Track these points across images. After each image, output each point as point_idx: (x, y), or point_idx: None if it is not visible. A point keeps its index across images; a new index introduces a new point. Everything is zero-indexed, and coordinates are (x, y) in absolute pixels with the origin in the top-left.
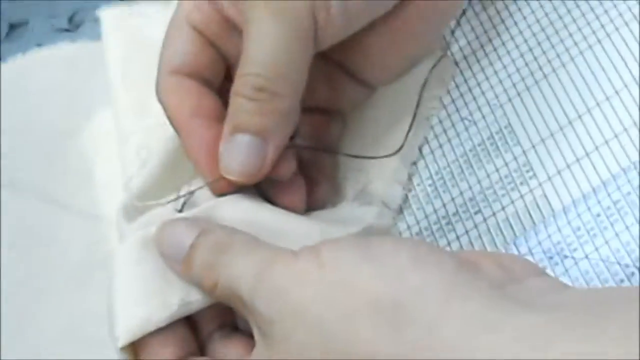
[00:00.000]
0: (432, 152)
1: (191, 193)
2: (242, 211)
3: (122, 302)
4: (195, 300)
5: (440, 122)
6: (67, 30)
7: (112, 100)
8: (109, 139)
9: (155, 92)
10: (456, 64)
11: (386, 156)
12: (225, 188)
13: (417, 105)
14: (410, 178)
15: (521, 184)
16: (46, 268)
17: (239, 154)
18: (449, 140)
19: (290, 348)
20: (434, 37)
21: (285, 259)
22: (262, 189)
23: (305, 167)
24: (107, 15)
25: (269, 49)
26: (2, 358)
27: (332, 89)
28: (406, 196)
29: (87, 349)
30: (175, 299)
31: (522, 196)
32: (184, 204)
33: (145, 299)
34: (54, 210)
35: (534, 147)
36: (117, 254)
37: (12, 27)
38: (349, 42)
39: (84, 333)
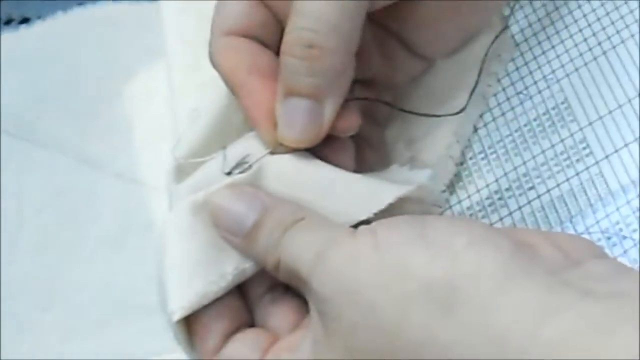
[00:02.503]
0: (485, 125)
1: (244, 161)
2: (294, 172)
3: (176, 275)
4: (249, 266)
5: (494, 95)
6: None
7: (167, 57)
8: (151, 100)
9: (209, 55)
10: (512, 37)
11: (447, 115)
12: (283, 152)
13: (478, 78)
14: (462, 152)
15: (577, 161)
16: (79, 231)
17: (294, 121)
18: (503, 114)
19: (342, 327)
20: (492, 9)
21: (343, 239)
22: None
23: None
24: None
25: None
26: (30, 319)
27: (387, 60)
28: (458, 170)
29: (116, 313)
30: (230, 267)
31: (578, 174)
32: (234, 167)
33: (201, 271)
34: (89, 171)
35: (591, 124)
36: (167, 224)
37: None
38: (405, 10)
39: (114, 298)
